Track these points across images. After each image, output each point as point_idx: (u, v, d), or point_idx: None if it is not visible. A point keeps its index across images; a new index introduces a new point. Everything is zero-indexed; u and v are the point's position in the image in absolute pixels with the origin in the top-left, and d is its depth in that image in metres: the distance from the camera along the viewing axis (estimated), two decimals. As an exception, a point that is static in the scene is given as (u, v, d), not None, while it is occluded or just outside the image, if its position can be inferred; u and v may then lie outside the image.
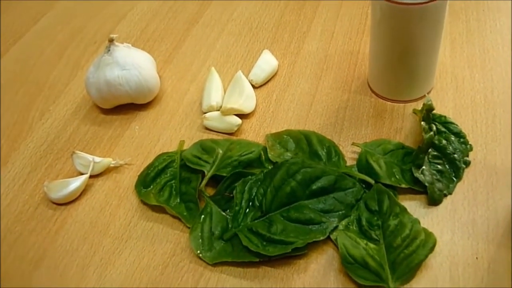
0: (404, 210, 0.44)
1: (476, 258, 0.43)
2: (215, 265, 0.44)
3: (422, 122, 0.48)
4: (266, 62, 0.60)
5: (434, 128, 0.49)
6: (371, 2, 0.49)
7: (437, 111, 0.53)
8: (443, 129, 0.51)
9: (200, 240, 0.45)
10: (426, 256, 0.42)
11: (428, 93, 0.55)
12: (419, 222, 0.43)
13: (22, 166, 0.55)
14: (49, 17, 0.75)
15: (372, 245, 0.43)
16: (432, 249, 0.42)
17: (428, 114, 0.49)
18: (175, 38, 0.68)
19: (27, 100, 0.62)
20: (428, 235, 0.42)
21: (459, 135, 0.50)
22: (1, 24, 0.74)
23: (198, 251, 0.45)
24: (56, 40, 0.70)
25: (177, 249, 0.46)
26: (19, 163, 0.55)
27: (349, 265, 0.42)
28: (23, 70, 0.66)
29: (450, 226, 0.45)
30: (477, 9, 0.66)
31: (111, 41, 0.56)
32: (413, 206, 0.46)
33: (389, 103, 0.56)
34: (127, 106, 0.59)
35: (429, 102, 0.48)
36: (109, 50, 0.57)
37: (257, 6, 0.71)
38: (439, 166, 0.48)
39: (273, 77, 0.61)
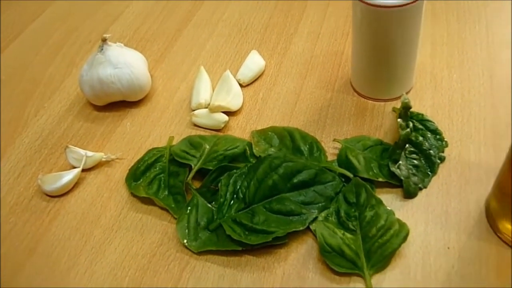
0: (380, 202, 0.47)
1: (448, 247, 0.45)
2: (200, 253, 0.47)
3: (399, 119, 0.50)
4: (254, 62, 0.63)
5: (411, 125, 0.51)
6: (352, 5, 0.52)
7: (416, 109, 0.56)
8: (420, 126, 0.53)
9: (187, 230, 0.47)
10: (399, 245, 0.44)
11: (407, 92, 0.58)
12: (393, 213, 0.46)
13: (17, 160, 0.57)
14: (45, 17, 0.77)
15: (349, 235, 0.45)
16: (405, 238, 0.44)
17: (405, 112, 0.52)
18: (167, 38, 0.70)
19: (23, 97, 0.64)
20: (402, 225, 0.45)
21: (435, 132, 0.53)
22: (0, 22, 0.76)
23: (185, 241, 0.47)
24: (52, 39, 0.73)
25: (164, 238, 0.48)
26: (14, 157, 0.57)
27: (327, 253, 0.44)
28: (20, 68, 0.69)
29: (424, 217, 0.47)
30: (457, 11, 0.69)
31: (104, 40, 0.59)
32: (389, 199, 0.49)
33: (370, 101, 0.58)
34: (119, 103, 0.61)
35: (406, 101, 0.51)
36: (102, 49, 0.59)
37: (246, 7, 0.74)
38: (415, 161, 0.50)
39: (260, 76, 0.63)
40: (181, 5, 0.76)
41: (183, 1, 0.76)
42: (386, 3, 0.48)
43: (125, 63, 0.59)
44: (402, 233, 0.44)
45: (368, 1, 0.49)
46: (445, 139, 0.53)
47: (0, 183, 0.55)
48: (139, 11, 0.76)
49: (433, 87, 0.59)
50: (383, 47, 0.53)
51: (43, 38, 0.73)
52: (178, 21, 0.73)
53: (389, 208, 0.46)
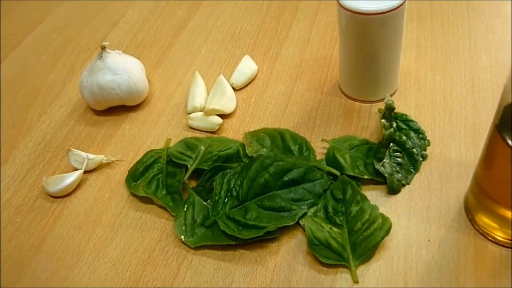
0: (364, 198, 0.49)
1: (428, 240, 0.48)
2: (196, 248, 0.49)
3: (383, 120, 0.53)
4: (247, 67, 0.66)
5: (394, 125, 0.54)
6: (337, 12, 0.55)
7: (400, 110, 0.59)
8: (403, 126, 0.56)
9: (184, 227, 0.50)
10: (383, 238, 0.47)
11: (392, 94, 0.61)
12: (377, 208, 0.49)
13: (22, 163, 0.60)
14: (46, 25, 0.80)
15: (336, 229, 0.48)
16: (388, 231, 0.47)
17: (389, 113, 0.54)
18: (163, 44, 0.73)
19: (26, 102, 0.67)
20: (385, 219, 0.48)
21: (418, 131, 0.56)
22: (1, 31, 0.79)
23: (182, 236, 0.50)
24: (52, 47, 0.76)
25: (163, 235, 0.51)
26: (19, 160, 0.60)
27: (315, 246, 0.47)
28: (22, 75, 0.72)
29: (407, 212, 0.50)
30: (442, 16, 0.72)
31: (103, 48, 0.62)
32: (374, 195, 0.52)
33: (357, 103, 0.61)
34: (118, 108, 0.64)
35: (389, 102, 0.54)
36: (101, 57, 0.62)
37: (239, 13, 0.77)
38: (399, 159, 0.53)
39: (252, 80, 0.66)
40: (177, 12, 0.79)
41: (179, 8, 0.79)
42: (369, 10, 0.51)
43: (123, 70, 0.61)
44: (385, 226, 0.47)
45: (352, 9, 0.51)
46: (428, 138, 0.56)
47: (1, 185, 0.58)
48: (136, 19, 0.78)
49: (417, 88, 0.62)
50: (367, 51, 0.55)
51: (44, 46, 0.76)
52: (174, 27, 0.76)
53: (374, 204, 0.49)
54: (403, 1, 0.52)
